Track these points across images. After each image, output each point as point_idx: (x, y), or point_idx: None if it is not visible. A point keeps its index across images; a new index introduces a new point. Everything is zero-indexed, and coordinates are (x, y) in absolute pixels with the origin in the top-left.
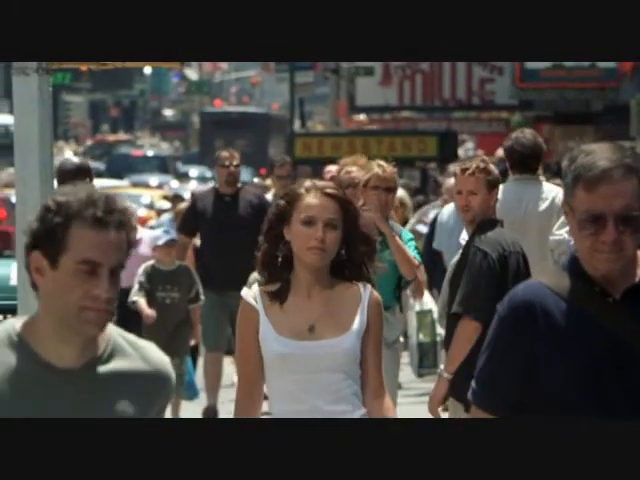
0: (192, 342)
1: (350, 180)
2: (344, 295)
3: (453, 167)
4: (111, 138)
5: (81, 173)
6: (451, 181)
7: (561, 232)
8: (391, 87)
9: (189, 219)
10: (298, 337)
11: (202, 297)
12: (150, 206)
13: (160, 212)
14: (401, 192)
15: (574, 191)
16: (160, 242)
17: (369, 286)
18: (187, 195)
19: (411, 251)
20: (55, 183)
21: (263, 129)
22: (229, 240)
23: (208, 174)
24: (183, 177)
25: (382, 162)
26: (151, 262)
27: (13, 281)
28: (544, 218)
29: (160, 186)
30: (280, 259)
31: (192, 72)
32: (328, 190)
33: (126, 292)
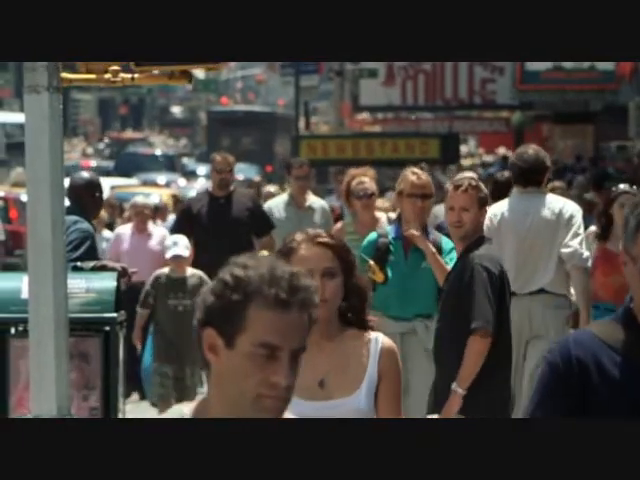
0: None
1: (364, 191)
2: (354, 346)
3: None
4: (125, 136)
5: (91, 188)
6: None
7: (573, 243)
8: (394, 87)
9: (182, 221)
10: (308, 396)
11: None
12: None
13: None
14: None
15: (636, 238)
16: (167, 256)
17: (380, 335)
18: (193, 194)
19: (451, 261)
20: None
21: (268, 127)
22: (223, 241)
23: None
24: (191, 175)
25: (416, 169)
26: (163, 270)
27: (24, 294)
28: (551, 229)
29: (168, 184)
30: None
31: (199, 70)
32: (320, 239)
33: (138, 288)
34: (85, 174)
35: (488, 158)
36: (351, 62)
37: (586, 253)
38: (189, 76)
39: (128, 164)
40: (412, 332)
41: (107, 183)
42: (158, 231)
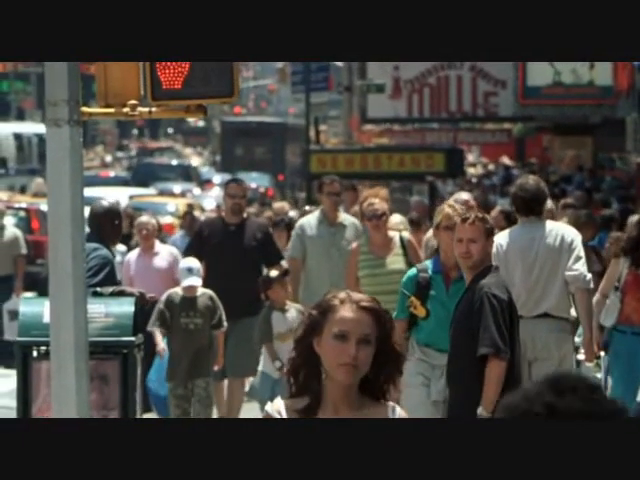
0: (215, 367)
1: (373, 212)
2: (372, 415)
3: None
4: (152, 145)
5: (111, 216)
6: (463, 196)
7: (577, 267)
8: (401, 100)
9: (195, 246)
10: None
11: (225, 323)
12: (175, 214)
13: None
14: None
15: None
16: (182, 285)
17: (397, 408)
18: (208, 202)
19: None
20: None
21: (280, 137)
22: (233, 268)
23: None
24: (206, 184)
25: (452, 203)
26: (175, 290)
27: (46, 319)
28: (555, 254)
29: (183, 194)
30: (309, 371)
31: None
32: (364, 303)
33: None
34: (105, 202)
35: (491, 167)
36: (359, 78)
37: (588, 276)
38: (204, 109)
39: (145, 174)
40: None
41: (125, 193)
42: (165, 249)
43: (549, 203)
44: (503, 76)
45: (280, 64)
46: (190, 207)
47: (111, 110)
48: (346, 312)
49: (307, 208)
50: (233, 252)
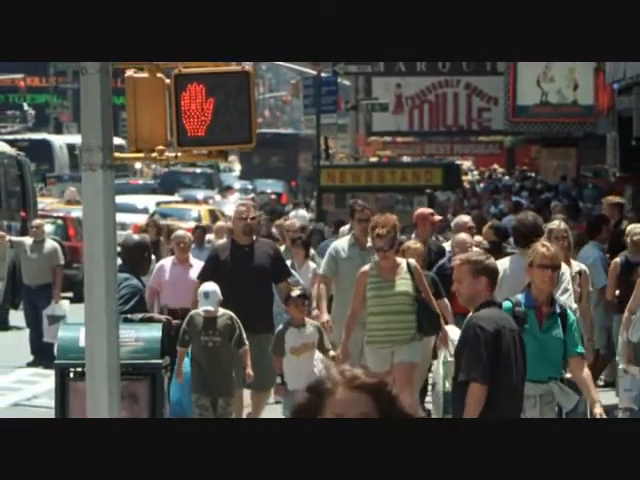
0: (248, 380)
1: (379, 247)
2: None
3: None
4: None
5: (140, 249)
6: (462, 236)
7: (564, 298)
8: (402, 115)
9: (209, 269)
10: None
11: (246, 342)
12: (198, 219)
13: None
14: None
15: None
16: (199, 309)
17: None
18: (228, 208)
19: (575, 331)
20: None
21: (293, 147)
22: (247, 287)
23: (249, 186)
24: (226, 191)
25: (545, 242)
26: (197, 310)
27: (82, 343)
28: None
29: (205, 200)
30: None
31: None
32: (357, 382)
33: (176, 312)
34: (135, 237)
35: (486, 173)
36: (363, 98)
37: (574, 306)
38: (225, 154)
39: (171, 182)
40: (549, 393)
41: (153, 200)
42: (198, 263)
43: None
44: (495, 93)
45: (293, 80)
46: (212, 212)
47: (141, 155)
48: (340, 395)
49: (314, 224)
50: (246, 272)
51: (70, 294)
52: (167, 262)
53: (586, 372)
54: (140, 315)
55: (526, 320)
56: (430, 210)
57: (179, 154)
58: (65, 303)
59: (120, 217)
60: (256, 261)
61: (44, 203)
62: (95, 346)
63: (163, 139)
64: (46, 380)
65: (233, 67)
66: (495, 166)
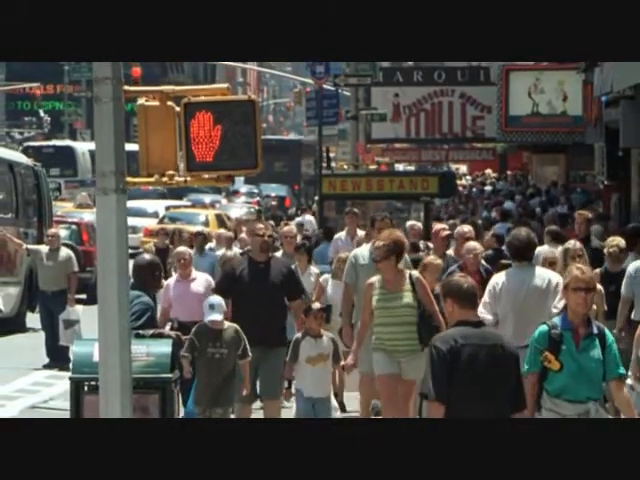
0: (244, 392)
1: (375, 257)
2: None
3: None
4: None
5: (152, 268)
6: (472, 243)
7: (560, 305)
8: (400, 123)
9: (226, 283)
10: None
11: (250, 353)
12: (206, 223)
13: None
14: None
15: None
16: (205, 319)
17: None
18: (233, 211)
19: (614, 352)
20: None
21: (296, 153)
22: (262, 302)
23: (255, 190)
24: (233, 195)
25: (580, 265)
26: (205, 322)
27: (95, 358)
28: (542, 295)
29: (212, 204)
30: None
31: None
32: None
33: (187, 325)
34: (147, 256)
35: (480, 178)
36: (363, 108)
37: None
38: (232, 178)
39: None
40: (586, 414)
41: (162, 204)
42: (201, 276)
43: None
44: (489, 102)
45: (296, 88)
46: (219, 216)
47: (152, 179)
48: None
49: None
50: (262, 288)
51: (83, 296)
52: (171, 280)
53: (626, 394)
54: (151, 331)
55: (562, 341)
56: (441, 225)
57: (188, 178)
58: (79, 308)
59: (131, 221)
60: (271, 278)
61: (60, 207)
62: (108, 361)
63: (173, 164)
64: (61, 382)
65: (240, 96)
66: (488, 171)
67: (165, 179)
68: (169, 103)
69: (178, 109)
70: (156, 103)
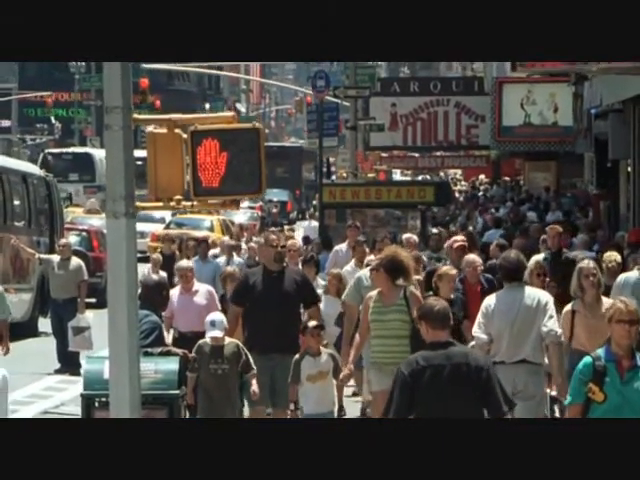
0: (253, 397)
1: (371, 266)
2: None
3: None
4: None
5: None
6: (471, 256)
7: (549, 324)
8: (397, 131)
9: (241, 292)
10: None
11: (254, 367)
12: (211, 229)
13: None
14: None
15: None
16: (206, 335)
17: None
18: (237, 217)
19: None
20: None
21: (297, 159)
22: (275, 311)
23: None
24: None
25: (624, 298)
26: (205, 340)
27: (106, 375)
28: (532, 313)
29: (217, 210)
30: None
31: (241, 106)
32: None
33: (186, 335)
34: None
35: (476, 183)
36: (362, 118)
37: (559, 331)
38: (237, 203)
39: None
40: None
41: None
42: (203, 287)
43: None
44: (483, 112)
45: (297, 97)
46: (222, 222)
47: (160, 204)
48: None
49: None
50: (277, 297)
51: (93, 300)
52: (175, 292)
53: None
54: (159, 349)
55: (605, 373)
56: (456, 237)
57: (195, 203)
58: (89, 315)
59: (139, 226)
60: (285, 287)
61: (71, 213)
62: (118, 378)
63: (180, 189)
64: (72, 387)
65: (245, 125)
66: (482, 176)
67: (173, 203)
68: (177, 131)
69: (185, 136)
70: (164, 130)
